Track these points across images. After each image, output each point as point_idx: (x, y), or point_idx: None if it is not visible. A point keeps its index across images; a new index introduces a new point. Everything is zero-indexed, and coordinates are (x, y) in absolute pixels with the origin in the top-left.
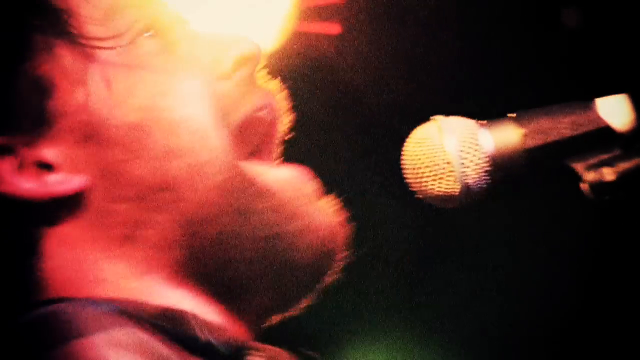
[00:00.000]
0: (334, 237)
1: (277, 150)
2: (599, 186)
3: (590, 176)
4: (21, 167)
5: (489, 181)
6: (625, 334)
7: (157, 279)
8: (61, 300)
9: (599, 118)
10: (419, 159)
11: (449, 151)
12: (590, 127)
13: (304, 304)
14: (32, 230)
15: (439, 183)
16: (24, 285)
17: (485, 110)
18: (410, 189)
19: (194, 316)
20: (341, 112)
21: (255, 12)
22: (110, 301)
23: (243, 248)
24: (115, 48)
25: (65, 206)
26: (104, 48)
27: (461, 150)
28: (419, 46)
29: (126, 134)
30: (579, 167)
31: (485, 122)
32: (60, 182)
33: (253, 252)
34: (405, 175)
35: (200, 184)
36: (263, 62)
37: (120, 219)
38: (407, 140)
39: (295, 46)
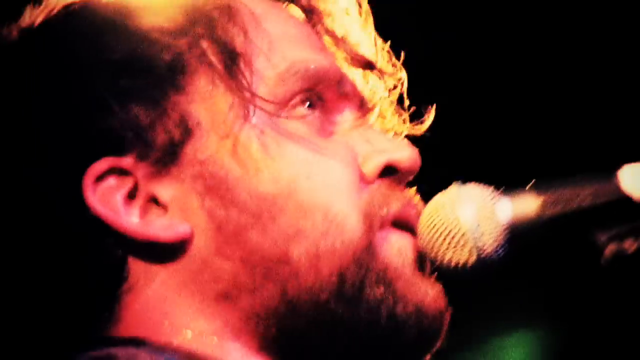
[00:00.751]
0: (440, 320)
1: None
2: (619, 258)
3: (611, 247)
4: (132, 195)
5: (506, 252)
6: None
7: (241, 348)
8: (134, 340)
9: (620, 188)
10: (435, 227)
11: (465, 221)
12: (612, 198)
13: None
14: (127, 262)
15: (454, 254)
16: (103, 315)
17: (504, 179)
18: (424, 256)
19: None
20: None
21: None
22: (176, 352)
23: (346, 333)
24: (278, 110)
25: (165, 249)
26: (266, 111)
27: (478, 220)
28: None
29: (257, 203)
30: (599, 238)
31: (503, 190)
32: (165, 228)
33: (355, 337)
34: (420, 243)
35: (323, 270)
36: (414, 173)
37: (224, 277)
38: (425, 207)
39: None
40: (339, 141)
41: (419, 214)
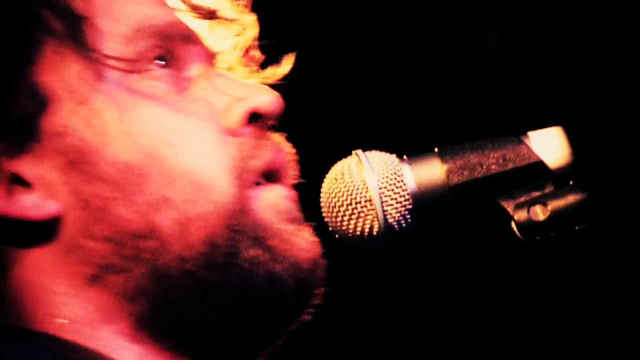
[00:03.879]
0: (315, 272)
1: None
2: (529, 226)
3: (520, 215)
4: None
5: (412, 220)
6: None
7: (116, 329)
8: (10, 328)
9: (530, 153)
10: (337, 196)
11: (370, 188)
12: (521, 163)
13: (276, 346)
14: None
15: (358, 222)
16: None
17: (408, 144)
18: (328, 228)
19: None
20: None
21: None
22: (50, 350)
23: (222, 297)
24: (129, 71)
25: (35, 230)
26: (117, 69)
27: (382, 188)
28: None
29: (120, 172)
30: (508, 205)
31: (407, 157)
32: (32, 206)
33: (231, 300)
34: (322, 213)
35: (193, 237)
36: (277, 115)
37: (91, 258)
38: (326, 176)
39: None
40: (195, 97)
41: (288, 159)
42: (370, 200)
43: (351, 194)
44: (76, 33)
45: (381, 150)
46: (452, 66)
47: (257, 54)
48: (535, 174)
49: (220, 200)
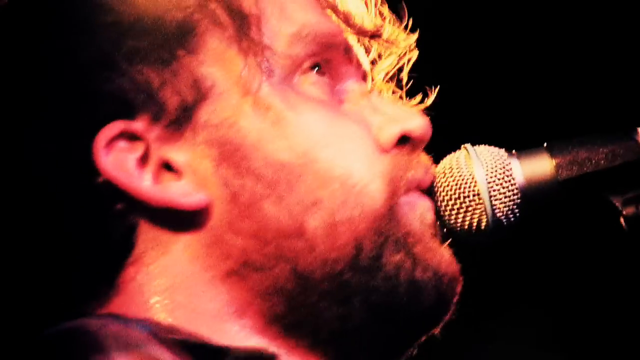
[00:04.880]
0: (455, 286)
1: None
2: (638, 221)
3: (629, 210)
4: (145, 160)
5: (520, 214)
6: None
7: (244, 326)
8: (113, 315)
9: (639, 148)
10: (446, 190)
11: (479, 182)
12: (629, 158)
13: (407, 354)
14: (136, 231)
15: (466, 216)
16: (103, 288)
17: (518, 139)
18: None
19: None
20: None
21: None
22: (153, 324)
23: (363, 301)
24: (291, 72)
25: (179, 218)
26: (281, 68)
27: (491, 182)
28: (449, 74)
29: (274, 171)
30: (617, 200)
31: (516, 151)
32: (180, 194)
33: (372, 305)
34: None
35: (340, 240)
36: (427, 141)
37: (234, 253)
38: (435, 170)
39: None
40: (350, 110)
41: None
42: (478, 194)
43: (460, 188)
44: (243, 28)
45: (490, 144)
46: (562, 64)
47: (405, 80)
48: None
49: (371, 204)
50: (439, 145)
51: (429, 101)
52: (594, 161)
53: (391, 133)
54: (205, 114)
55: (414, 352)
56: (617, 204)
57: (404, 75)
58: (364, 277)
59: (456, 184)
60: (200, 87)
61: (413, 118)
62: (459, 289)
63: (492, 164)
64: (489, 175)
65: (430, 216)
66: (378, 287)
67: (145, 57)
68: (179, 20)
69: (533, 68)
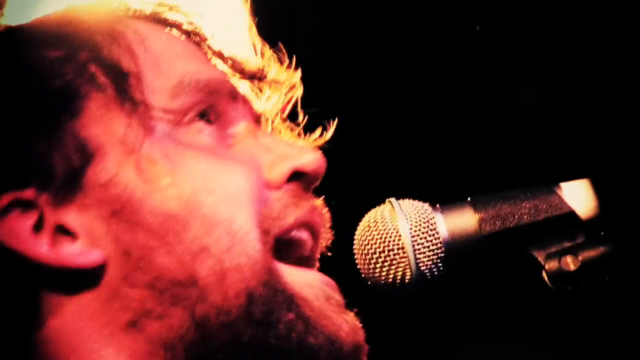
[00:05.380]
0: (357, 356)
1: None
2: (560, 276)
3: (551, 265)
4: (40, 227)
5: (444, 267)
6: None
7: None
8: None
9: (561, 203)
10: (371, 243)
11: (403, 236)
12: (552, 213)
13: None
14: (38, 296)
15: (390, 269)
16: (17, 348)
17: (441, 193)
18: (361, 274)
19: None
20: None
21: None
22: None
23: (255, 357)
24: (175, 125)
25: (77, 278)
26: (164, 121)
27: (415, 236)
28: (373, 128)
29: (161, 222)
30: (539, 255)
31: (440, 205)
32: (76, 254)
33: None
34: (355, 261)
35: (231, 288)
36: (321, 177)
37: (131, 305)
38: (360, 223)
39: None
40: (239, 152)
41: (324, 221)
42: (403, 248)
43: (384, 242)
44: (123, 87)
45: (413, 199)
46: (483, 119)
47: (301, 118)
48: (566, 225)
49: (253, 253)
50: (365, 196)
51: (328, 135)
52: (517, 216)
53: (281, 170)
54: (93, 175)
55: None
56: (539, 258)
57: (299, 113)
58: (258, 332)
59: (380, 238)
60: (85, 150)
61: (305, 153)
62: (363, 357)
63: (416, 218)
64: (413, 229)
65: (319, 284)
66: (271, 344)
67: (30, 127)
68: (60, 87)
69: (454, 119)
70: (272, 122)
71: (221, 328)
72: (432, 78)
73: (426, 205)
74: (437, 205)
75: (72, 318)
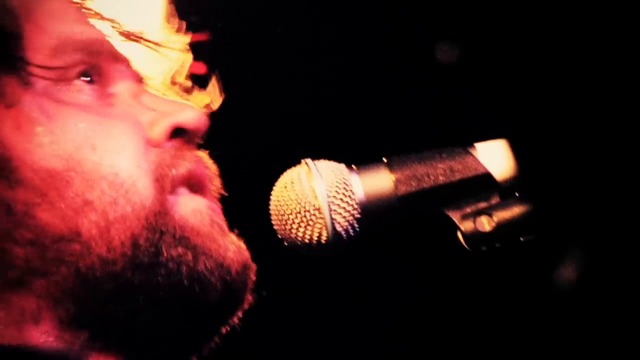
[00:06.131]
0: (246, 274)
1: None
2: (475, 236)
3: (466, 226)
4: None
5: (359, 229)
6: None
7: (42, 331)
8: None
9: (477, 164)
10: (287, 204)
11: (318, 197)
12: (468, 174)
13: (207, 348)
14: None
15: (307, 230)
16: None
17: (357, 154)
18: (277, 235)
19: None
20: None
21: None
22: None
23: (148, 298)
24: (56, 81)
25: None
26: (44, 78)
27: (331, 197)
28: (290, 82)
29: (43, 179)
30: (454, 215)
31: (356, 166)
32: None
33: (158, 300)
34: (271, 221)
35: (115, 239)
36: (202, 133)
37: (16, 263)
38: (275, 184)
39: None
40: (120, 110)
41: (210, 174)
42: (319, 209)
43: (300, 203)
44: (3, 45)
45: (329, 159)
46: (400, 77)
47: (186, 81)
48: (481, 185)
49: (141, 202)
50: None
51: (214, 95)
52: (432, 177)
53: (162, 126)
54: None
55: (216, 341)
56: (455, 219)
57: (182, 76)
58: (145, 275)
59: (296, 198)
60: None
61: (185, 110)
62: (250, 277)
63: (332, 179)
64: (328, 189)
65: (205, 211)
66: (161, 283)
67: None
68: None
69: (365, 77)
70: (156, 83)
71: (108, 279)
72: (345, 31)
73: (342, 166)
74: (353, 166)
75: None
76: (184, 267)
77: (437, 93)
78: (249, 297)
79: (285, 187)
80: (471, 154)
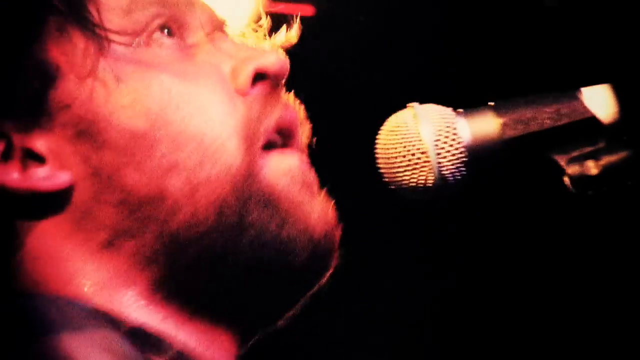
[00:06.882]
0: (330, 239)
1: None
2: (582, 180)
3: (573, 169)
4: (8, 153)
5: (466, 172)
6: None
7: (132, 293)
8: (36, 296)
9: (583, 108)
10: (393, 147)
11: (425, 140)
12: (574, 118)
13: (292, 313)
14: (14, 220)
15: (413, 173)
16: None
17: (464, 98)
18: (383, 178)
19: (169, 343)
20: (318, 102)
21: None
22: (88, 304)
23: (233, 263)
24: (132, 44)
25: (49, 201)
26: (121, 43)
27: (437, 140)
28: (396, 33)
29: (128, 140)
30: (561, 159)
31: (462, 110)
32: (46, 178)
33: (242, 266)
34: (378, 165)
35: (201, 202)
36: (285, 76)
37: (105, 224)
38: (382, 128)
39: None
40: (202, 62)
41: (298, 116)
42: (425, 152)
43: (406, 146)
44: (78, 9)
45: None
46: (504, 23)
47: (267, 20)
48: (588, 129)
49: (229, 164)
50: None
51: (293, 38)
52: (538, 120)
53: (244, 74)
54: (56, 97)
55: (302, 305)
56: (561, 163)
57: (261, 17)
58: (229, 240)
59: (403, 142)
60: (45, 73)
61: (267, 55)
62: (335, 240)
63: (438, 122)
64: (435, 133)
65: (295, 170)
66: (244, 249)
67: None
68: (14, 12)
69: (474, 30)
70: (235, 27)
71: (192, 243)
72: None
73: (449, 109)
74: (460, 110)
75: (48, 240)
76: (268, 234)
77: (541, 38)
78: (335, 261)
79: (392, 130)
80: (577, 98)
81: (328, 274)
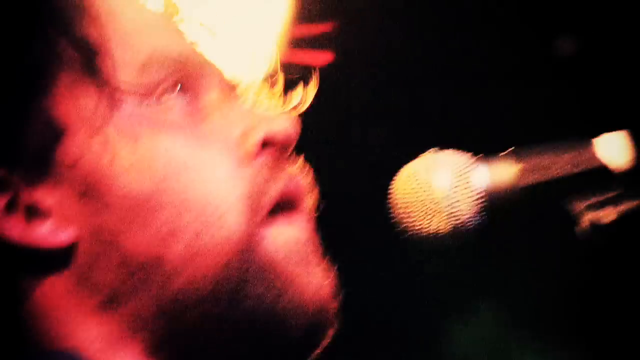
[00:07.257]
0: (325, 314)
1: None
2: (597, 228)
3: (588, 217)
4: (12, 205)
5: (482, 219)
6: None
7: (127, 355)
8: (44, 352)
9: (598, 156)
10: (409, 195)
11: (441, 188)
12: (590, 166)
13: None
14: (15, 277)
15: (429, 221)
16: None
17: (481, 146)
18: (397, 227)
19: None
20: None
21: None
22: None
23: (228, 332)
24: (145, 100)
25: (51, 259)
26: (133, 97)
27: (454, 187)
28: (418, 82)
29: (131, 204)
30: (576, 207)
31: (480, 157)
32: (48, 234)
33: (238, 336)
34: (393, 212)
35: (200, 268)
36: (293, 143)
37: (102, 286)
38: (398, 175)
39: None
40: (211, 127)
41: (304, 190)
42: (442, 199)
43: (423, 193)
44: (91, 64)
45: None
46: (520, 73)
47: (281, 79)
48: (603, 178)
49: (229, 234)
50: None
51: (308, 98)
52: (556, 167)
53: (252, 141)
54: (64, 153)
55: None
56: (578, 209)
57: (275, 77)
58: (224, 309)
59: (420, 188)
60: (55, 128)
61: (277, 121)
62: (330, 315)
63: (455, 169)
64: (452, 179)
65: (295, 244)
66: (239, 319)
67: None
68: (29, 64)
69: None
70: (247, 89)
71: (187, 309)
72: (461, 30)
73: (467, 156)
74: (478, 157)
75: (47, 298)
76: (264, 306)
77: (558, 86)
78: (331, 333)
79: (409, 176)
80: (594, 145)
81: (324, 344)
